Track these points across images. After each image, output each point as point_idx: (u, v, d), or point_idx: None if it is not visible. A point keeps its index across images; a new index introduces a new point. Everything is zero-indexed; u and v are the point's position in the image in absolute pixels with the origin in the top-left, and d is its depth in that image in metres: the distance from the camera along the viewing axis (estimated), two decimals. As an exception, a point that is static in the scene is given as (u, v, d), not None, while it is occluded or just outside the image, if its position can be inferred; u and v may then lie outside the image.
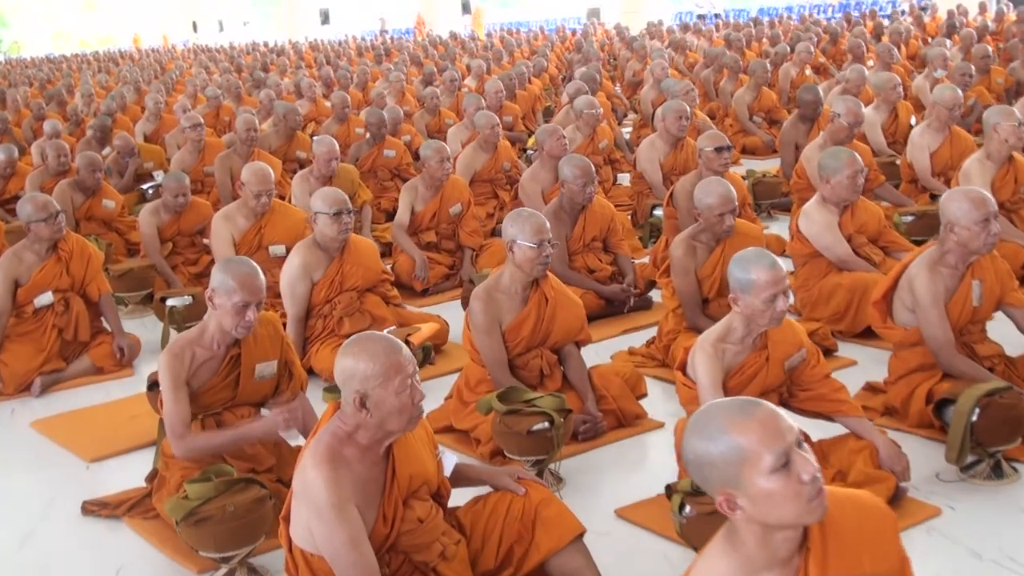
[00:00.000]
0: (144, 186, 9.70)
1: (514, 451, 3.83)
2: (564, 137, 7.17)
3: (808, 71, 12.87)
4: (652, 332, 5.50)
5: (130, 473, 4.25)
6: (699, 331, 4.81)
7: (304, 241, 5.22)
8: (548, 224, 4.28)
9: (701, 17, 23.48)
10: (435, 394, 4.41)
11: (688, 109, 7.67)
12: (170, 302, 5.77)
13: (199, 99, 15.20)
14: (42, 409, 5.15)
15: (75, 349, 5.51)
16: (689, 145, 7.69)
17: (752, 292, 3.39)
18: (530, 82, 13.71)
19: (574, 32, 26.84)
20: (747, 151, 10.62)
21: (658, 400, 4.52)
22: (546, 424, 3.76)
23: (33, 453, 4.67)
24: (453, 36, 27.09)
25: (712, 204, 4.78)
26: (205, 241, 7.05)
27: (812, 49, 13.29)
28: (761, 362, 3.54)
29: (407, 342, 4.70)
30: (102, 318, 5.67)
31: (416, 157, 9.91)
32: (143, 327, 6.29)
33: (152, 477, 3.95)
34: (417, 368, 2.73)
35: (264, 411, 3.88)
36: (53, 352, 5.41)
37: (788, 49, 13.88)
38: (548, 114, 14.06)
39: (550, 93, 15.26)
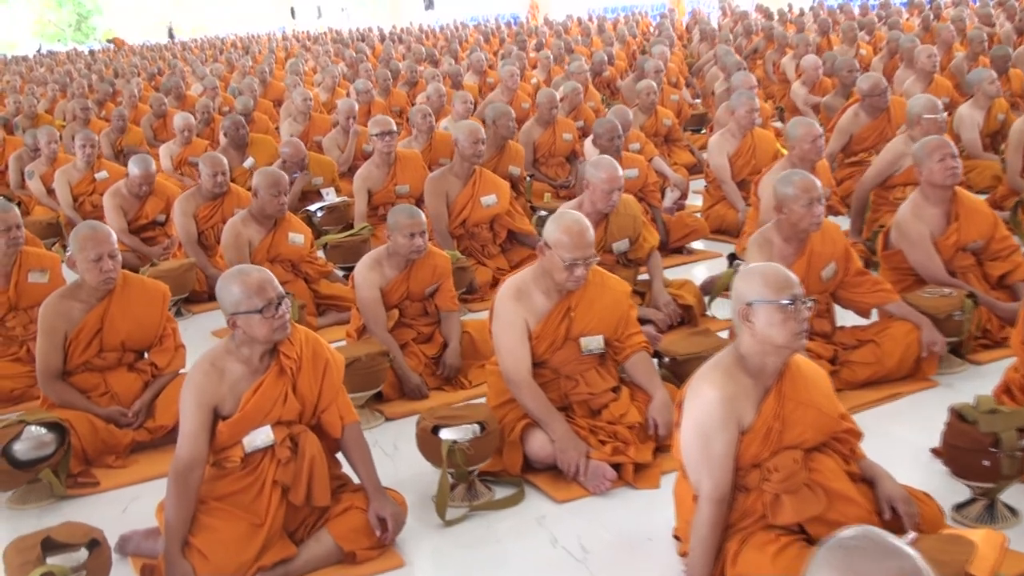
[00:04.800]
0: (312, 207, 7.63)
1: None
2: (819, 137, 5.60)
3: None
4: None
5: None
6: None
7: (719, 359, 3.01)
8: None
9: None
10: None
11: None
12: (446, 434, 3.61)
13: (338, 93, 13.19)
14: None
15: (308, 520, 3.39)
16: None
17: None
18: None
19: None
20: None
21: None
22: None
23: None
24: (578, 21, 24.82)
25: None
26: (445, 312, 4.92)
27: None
28: None
29: (967, 577, 2.50)
30: (334, 454, 3.54)
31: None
32: (377, 450, 4.17)
33: None
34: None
35: None
36: (276, 529, 3.29)
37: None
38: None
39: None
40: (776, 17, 19.16)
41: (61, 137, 10.09)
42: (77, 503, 3.97)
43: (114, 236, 4.30)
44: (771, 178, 5.75)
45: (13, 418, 3.96)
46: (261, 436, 3.33)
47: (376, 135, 6.95)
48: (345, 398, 3.49)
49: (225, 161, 6.60)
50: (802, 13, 21.14)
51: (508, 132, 7.25)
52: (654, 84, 9.18)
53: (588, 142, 7.94)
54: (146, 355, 4.51)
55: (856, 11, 19.35)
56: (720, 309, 5.47)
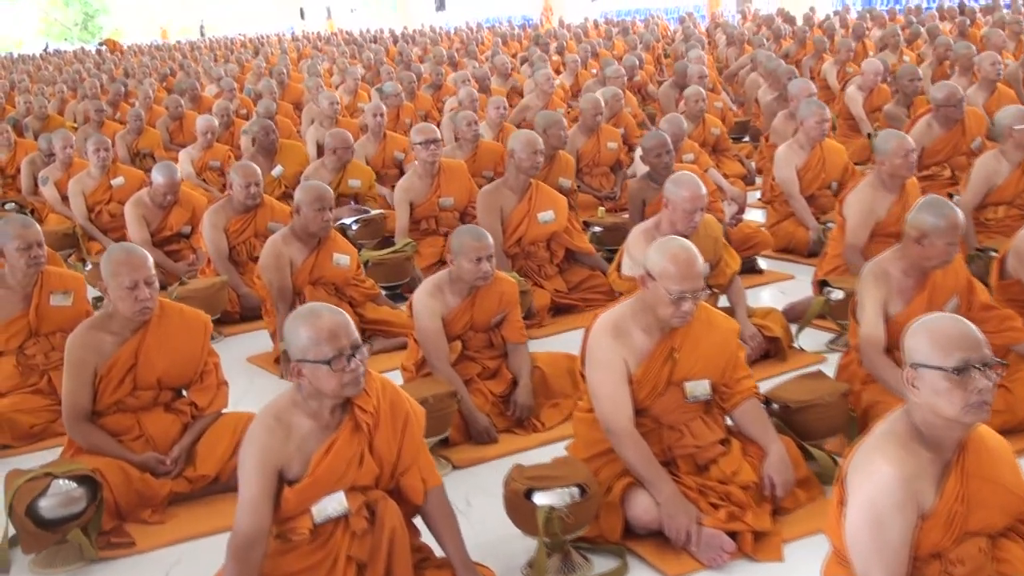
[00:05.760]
0: (347, 220, 7.14)
1: None
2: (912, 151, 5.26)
3: None
4: None
5: None
6: None
7: (892, 428, 2.51)
8: None
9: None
10: None
11: None
12: (542, 499, 3.12)
13: (360, 96, 12.70)
14: None
15: (387, 603, 2.91)
16: None
17: None
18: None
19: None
20: None
21: None
22: None
23: None
24: (595, 24, 24.36)
25: None
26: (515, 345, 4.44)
27: None
28: None
29: None
30: (412, 518, 3.06)
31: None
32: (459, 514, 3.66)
33: None
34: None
35: None
36: (351, 614, 2.82)
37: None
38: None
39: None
40: (802, 21, 18.69)
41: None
42: (110, 567, 3.49)
43: (151, 260, 3.81)
44: (858, 196, 5.30)
45: (38, 470, 3.47)
46: (333, 504, 2.86)
47: (420, 144, 6.46)
48: (427, 458, 3.02)
49: (258, 171, 6.12)
50: (827, 18, 20.65)
51: (559, 142, 6.77)
52: (702, 91, 8.69)
53: (638, 156, 7.47)
54: (184, 393, 4.02)
55: (885, 16, 18.90)
56: (809, 341, 4.99)
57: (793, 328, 4.99)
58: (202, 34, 41.03)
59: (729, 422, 3.58)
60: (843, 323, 4.90)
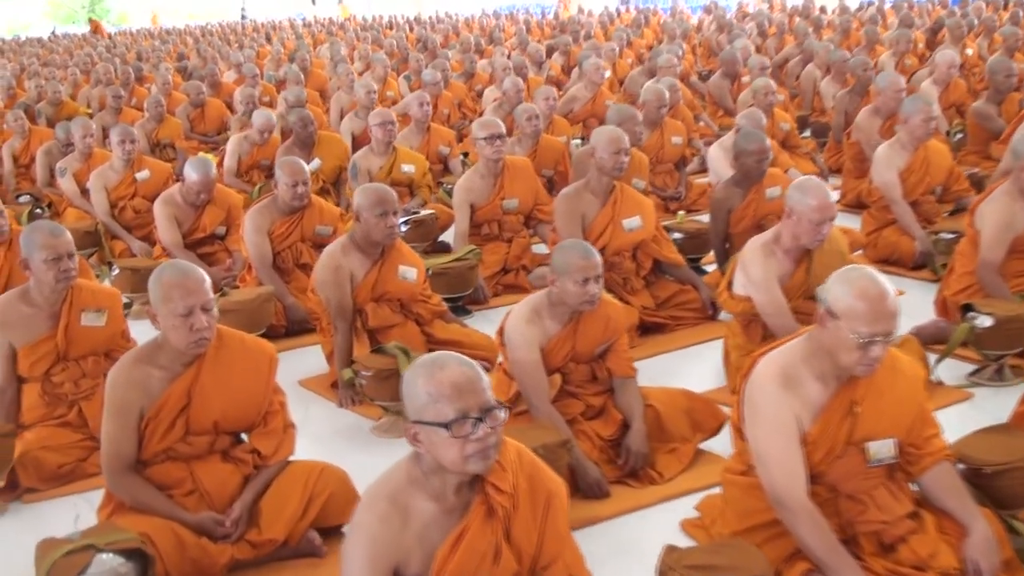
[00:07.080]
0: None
1: None
2: None
3: None
4: None
5: None
6: None
7: None
8: None
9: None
10: None
11: None
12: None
13: (389, 84, 12.04)
14: None
15: None
16: None
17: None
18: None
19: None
20: None
21: None
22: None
23: None
24: (617, 12, 23.68)
25: None
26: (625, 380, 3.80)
27: None
28: None
29: None
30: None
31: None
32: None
33: None
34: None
35: None
36: None
37: None
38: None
39: None
40: (837, 11, 18.03)
41: (92, 129, 8.92)
42: (163, 659, 2.89)
43: (208, 282, 3.18)
44: (994, 206, 4.68)
45: (77, 540, 2.86)
46: (459, 609, 2.24)
47: (484, 139, 5.81)
48: (574, 548, 2.40)
49: (306, 168, 5.48)
50: (861, 7, 20.00)
51: (634, 138, 6.12)
52: (771, 83, 8.01)
53: (712, 153, 6.84)
54: (245, 439, 3.39)
55: (926, 6, 18.25)
56: (946, 373, 4.36)
57: (930, 358, 4.35)
58: (243, 17, 40.08)
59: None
60: (989, 353, 4.29)
